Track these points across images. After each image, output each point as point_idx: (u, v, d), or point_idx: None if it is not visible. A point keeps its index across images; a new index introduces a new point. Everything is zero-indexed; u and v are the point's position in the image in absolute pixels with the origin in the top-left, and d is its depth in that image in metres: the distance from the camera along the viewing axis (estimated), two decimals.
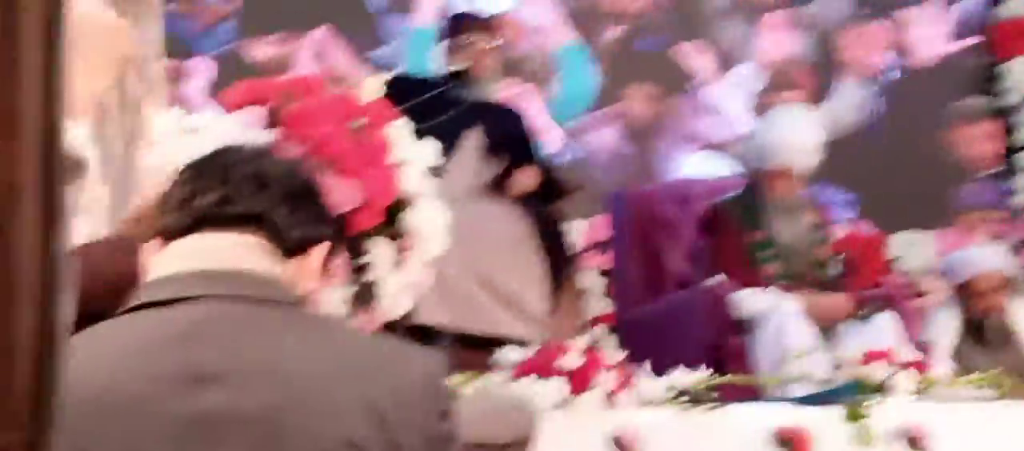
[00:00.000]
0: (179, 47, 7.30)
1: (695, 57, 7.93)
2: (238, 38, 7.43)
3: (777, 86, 7.95)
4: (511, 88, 7.59)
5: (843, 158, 7.97)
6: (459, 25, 5.87)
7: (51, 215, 0.92)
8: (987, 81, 8.04)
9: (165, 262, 1.76)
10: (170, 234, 1.78)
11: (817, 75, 8.08)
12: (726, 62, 7.99)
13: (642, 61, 7.90)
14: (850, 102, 8.08)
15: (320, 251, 1.86)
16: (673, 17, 8.01)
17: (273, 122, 3.77)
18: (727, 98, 7.91)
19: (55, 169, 0.92)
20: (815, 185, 7.74)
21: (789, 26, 8.07)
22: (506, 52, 7.62)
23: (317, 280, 1.86)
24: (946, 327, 6.12)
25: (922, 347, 5.25)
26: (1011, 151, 7.95)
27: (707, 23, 8.01)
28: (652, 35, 7.96)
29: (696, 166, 7.64)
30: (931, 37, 8.21)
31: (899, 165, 8.05)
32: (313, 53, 7.42)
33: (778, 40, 8.05)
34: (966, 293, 6.17)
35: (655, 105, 7.82)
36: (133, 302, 1.73)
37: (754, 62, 8.04)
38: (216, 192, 1.78)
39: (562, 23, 7.79)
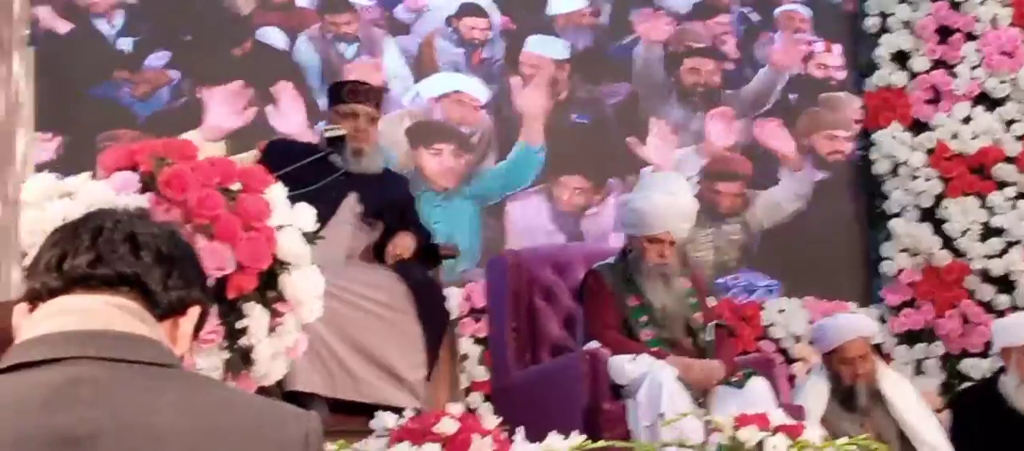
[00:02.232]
0: (119, 113, 7.24)
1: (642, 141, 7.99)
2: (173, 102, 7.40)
3: (716, 173, 8.05)
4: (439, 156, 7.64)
5: (773, 242, 8.09)
6: (340, 92, 5.85)
7: None
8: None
9: (36, 324, 1.75)
10: (41, 295, 1.77)
11: (758, 163, 8.17)
12: (668, 145, 8.04)
13: (578, 132, 7.95)
14: (790, 190, 8.19)
15: (193, 314, 1.85)
16: (617, 97, 8.07)
17: (147, 186, 3.76)
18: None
19: None
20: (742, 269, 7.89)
21: (732, 116, 8.15)
22: (457, 127, 7.70)
23: (190, 343, 1.86)
24: (817, 392, 6.21)
25: (794, 411, 5.31)
26: (881, 219, 8.10)
27: (651, 106, 8.09)
28: (588, 112, 8.01)
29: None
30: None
31: (825, 247, 8.17)
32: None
33: (720, 128, 8.13)
34: (835, 360, 6.28)
35: (586, 195, 7.86)
36: (2, 364, 1.71)
37: (695, 147, 8.10)
38: (88, 253, 1.77)
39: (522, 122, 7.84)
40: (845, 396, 6.20)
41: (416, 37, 7.79)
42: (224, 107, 7.41)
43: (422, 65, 7.78)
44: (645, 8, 8.14)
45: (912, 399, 6.33)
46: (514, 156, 7.79)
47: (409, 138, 7.61)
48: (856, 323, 6.59)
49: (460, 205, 7.67)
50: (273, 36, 7.60)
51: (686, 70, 8.14)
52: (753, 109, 8.19)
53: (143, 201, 3.62)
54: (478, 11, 7.90)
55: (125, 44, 7.36)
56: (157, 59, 7.37)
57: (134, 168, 3.81)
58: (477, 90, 7.82)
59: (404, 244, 5.67)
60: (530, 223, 7.76)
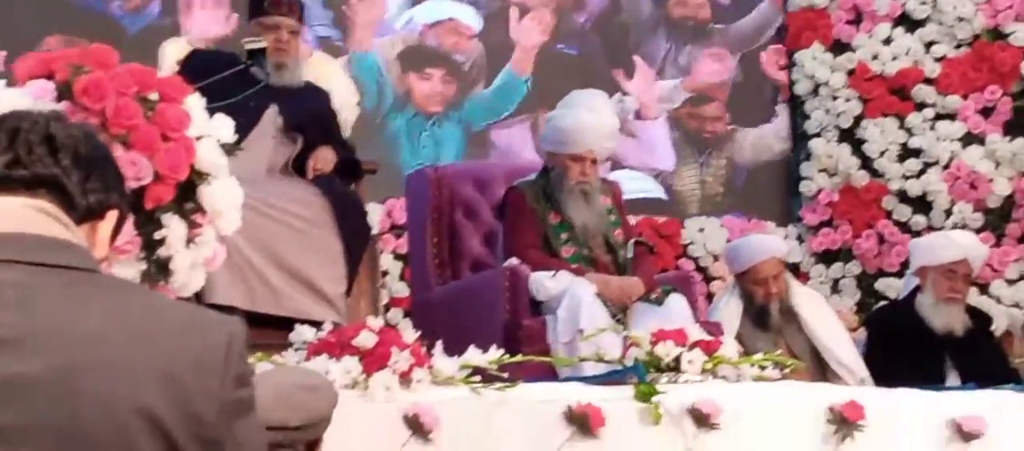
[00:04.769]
0: (108, 26, 7.13)
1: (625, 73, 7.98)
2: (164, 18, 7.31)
3: (698, 105, 8.09)
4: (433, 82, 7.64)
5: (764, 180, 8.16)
6: (262, 4, 5.81)
7: None
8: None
9: None
10: None
11: (751, 97, 8.20)
12: (650, 78, 8.04)
13: (565, 62, 7.91)
14: (781, 126, 8.23)
15: (112, 218, 1.83)
16: (603, 27, 8.05)
17: (63, 95, 3.71)
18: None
19: None
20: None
21: (719, 50, 8.16)
22: (449, 54, 7.67)
23: (108, 248, 1.84)
24: (730, 311, 6.27)
25: (712, 328, 5.36)
26: (802, 138, 8.16)
27: (636, 37, 8.07)
28: (577, 42, 7.99)
29: None
30: None
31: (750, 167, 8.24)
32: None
33: (705, 63, 8.14)
34: (747, 280, 6.33)
35: None
36: None
37: (679, 80, 8.11)
38: (5, 155, 1.74)
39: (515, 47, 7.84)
40: (758, 315, 6.26)
41: None
42: (205, 12, 7.34)
43: None
44: None
45: (826, 317, 6.40)
46: (499, 83, 7.81)
47: (401, 63, 7.61)
48: (768, 243, 6.64)
49: (449, 131, 7.68)
50: None
51: (674, 3, 8.14)
52: (748, 44, 8.22)
53: (59, 108, 3.57)
54: None
55: None
56: None
57: (50, 76, 3.76)
58: (471, 18, 7.82)
59: (325, 158, 5.66)
60: (515, 150, 7.77)
